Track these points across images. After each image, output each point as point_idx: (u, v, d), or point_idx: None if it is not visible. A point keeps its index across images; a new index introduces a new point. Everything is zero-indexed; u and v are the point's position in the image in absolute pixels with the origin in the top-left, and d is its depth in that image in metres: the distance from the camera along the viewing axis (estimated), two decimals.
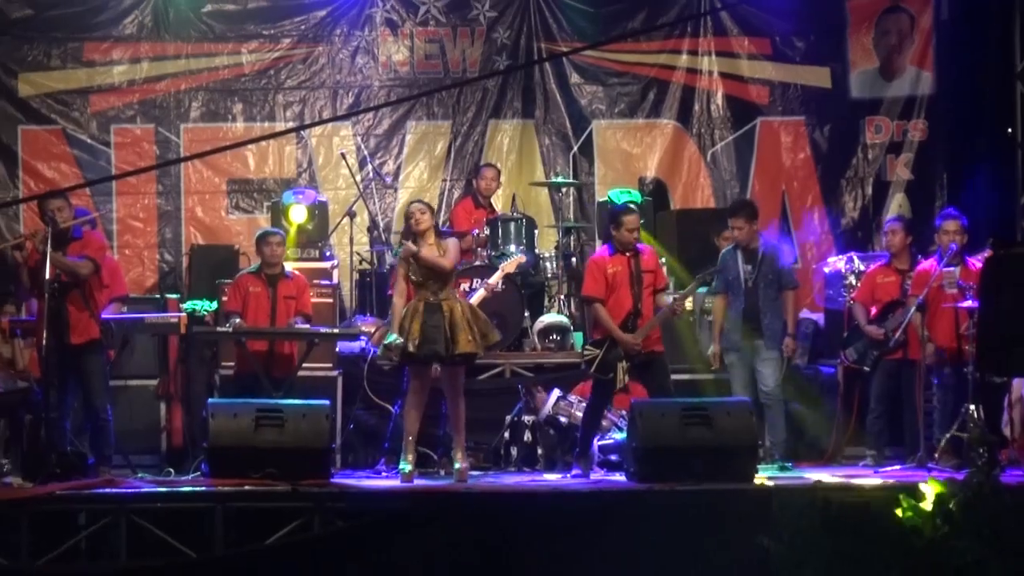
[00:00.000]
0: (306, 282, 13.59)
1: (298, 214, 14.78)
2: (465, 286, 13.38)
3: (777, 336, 13.21)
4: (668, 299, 12.87)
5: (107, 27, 16.02)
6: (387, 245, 13.83)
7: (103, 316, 12.84)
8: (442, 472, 12.87)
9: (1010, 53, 16.24)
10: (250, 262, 13.98)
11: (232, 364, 13.51)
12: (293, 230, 14.72)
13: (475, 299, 13.02)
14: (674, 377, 13.82)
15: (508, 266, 13.65)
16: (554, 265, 14.79)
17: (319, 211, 15.07)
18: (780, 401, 13.16)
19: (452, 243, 12.47)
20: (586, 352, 12.83)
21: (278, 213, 14.93)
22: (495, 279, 13.43)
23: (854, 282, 13.98)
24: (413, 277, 12.25)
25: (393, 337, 12.14)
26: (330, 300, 14.26)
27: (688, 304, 13.88)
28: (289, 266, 13.81)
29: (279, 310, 13.31)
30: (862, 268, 14.07)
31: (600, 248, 13.28)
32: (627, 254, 12.71)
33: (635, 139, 16.55)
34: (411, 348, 12.07)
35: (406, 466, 12.37)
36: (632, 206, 13.51)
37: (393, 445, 12.97)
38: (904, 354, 13.25)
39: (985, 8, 16.36)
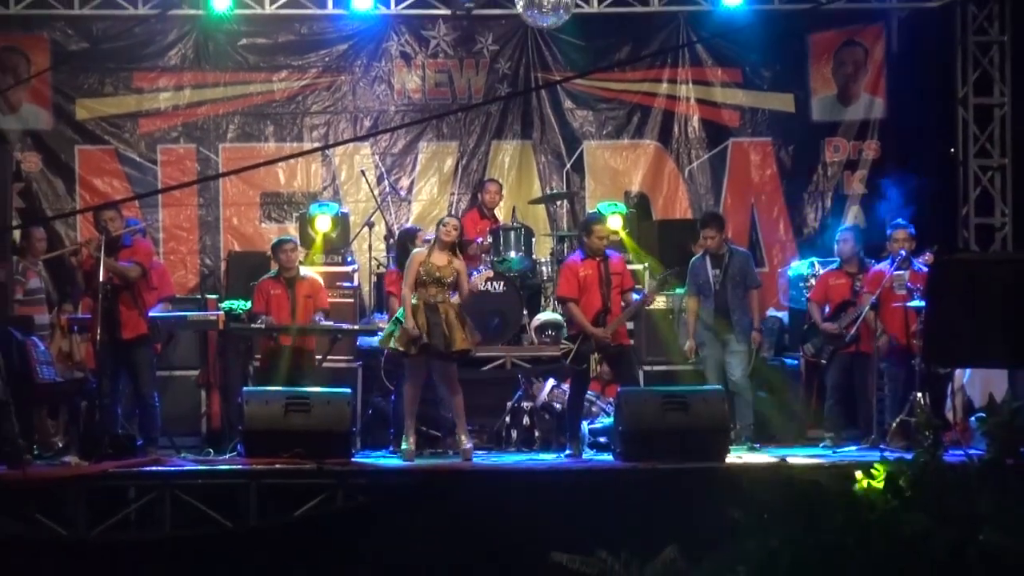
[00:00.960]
0: (320, 282, 13.58)
1: (323, 224, 14.76)
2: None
3: (746, 331, 13.24)
4: (634, 297, 12.96)
5: (154, 58, 16.00)
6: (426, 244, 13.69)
7: (151, 314, 12.90)
8: (449, 452, 12.90)
9: (952, 81, 16.23)
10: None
11: (261, 357, 13.52)
12: (319, 238, 14.70)
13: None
14: (654, 368, 13.94)
15: (478, 280, 13.43)
16: (550, 269, 14.75)
17: (341, 221, 15.05)
18: (747, 389, 13.17)
19: (462, 267, 12.56)
20: (562, 346, 12.92)
21: (305, 223, 14.91)
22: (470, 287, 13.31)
23: (814, 284, 14.04)
24: (424, 276, 12.32)
25: (394, 329, 12.31)
26: (351, 300, 14.26)
27: (662, 303, 14.03)
28: (315, 270, 13.85)
29: (299, 308, 13.27)
30: (821, 272, 14.12)
31: (573, 254, 13.28)
32: (597, 259, 12.75)
33: (621, 157, 16.53)
34: (427, 339, 12.14)
35: (407, 446, 12.43)
36: (600, 216, 13.62)
37: (396, 429, 13.01)
38: (857, 348, 13.24)
39: (930, 42, 16.36)
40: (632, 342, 13.20)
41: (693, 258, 13.54)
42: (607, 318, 12.66)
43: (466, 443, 12.46)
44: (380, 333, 13.45)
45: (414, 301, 12.24)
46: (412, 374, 12.51)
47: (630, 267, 13.66)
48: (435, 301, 12.30)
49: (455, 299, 12.59)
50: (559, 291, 13.10)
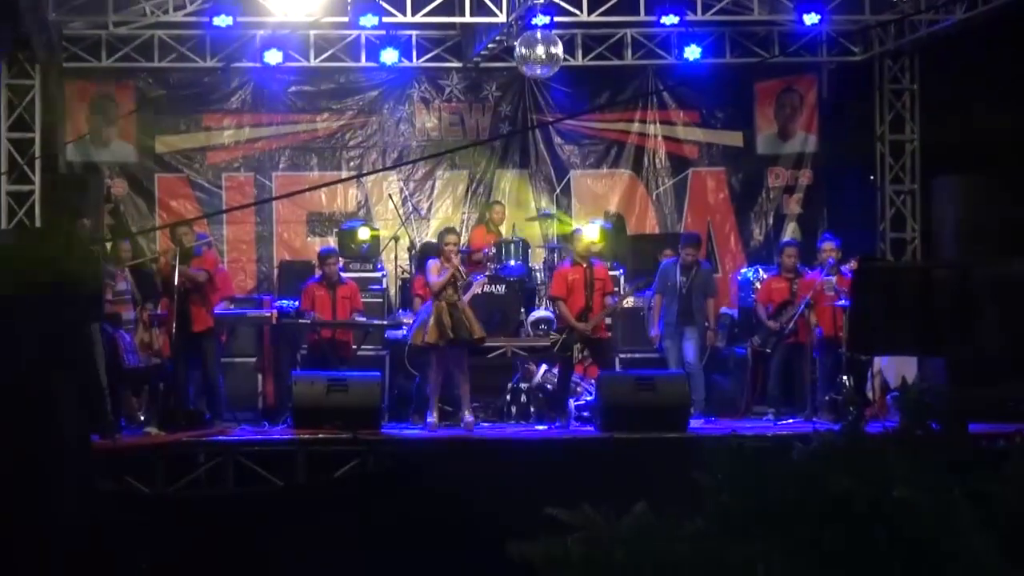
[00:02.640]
0: (356, 286, 13.63)
1: (361, 235, 14.85)
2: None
3: (701, 328, 13.35)
4: (610, 299, 13.04)
5: (219, 103, 16.01)
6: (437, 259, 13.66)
7: (216, 311, 12.93)
8: (461, 424, 12.94)
9: (872, 121, 16.28)
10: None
11: (307, 347, 13.55)
12: (357, 248, 14.79)
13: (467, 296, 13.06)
14: (629, 355, 13.94)
15: (476, 287, 13.46)
16: (542, 275, 14.80)
17: (373, 236, 15.09)
18: (700, 372, 13.24)
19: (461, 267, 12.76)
20: (552, 337, 12.98)
21: (345, 236, 14.96)
22: (472, 291, 13.23)
23: (759, 287, 14.07)
24: (453, 280, 12.41)
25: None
26: (380, 300, 14.29)
27: (631, 302, 14.06)
28: (351, 275, 13.88)
29: (338, 307, 13.34)
30: (765, 277, 14.15)
31: (563, 262, 13.41)
32: (583, 266, 12.84)
33: (601, 183, 16.53)
34: (450, 335, 12.27)
35: (432, 419, 12.46)
36: (583, 232, 13.57)
37: (416, 407, 13.05)
38: (795, 339, 13.31)
39: (854, 89, 16.41)
40: (610, 335, 13.28)
41: (664, 261, 13.58)
42: (589, 315, 12.72)
43: (468, 417, 12.53)
44: (403, 327, 13.51)
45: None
46: (439, 362, 12.55)
47: (610, 273, 13.71)
48: (454, 301, 12.36)
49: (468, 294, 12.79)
50: (550, 292, 13.25)
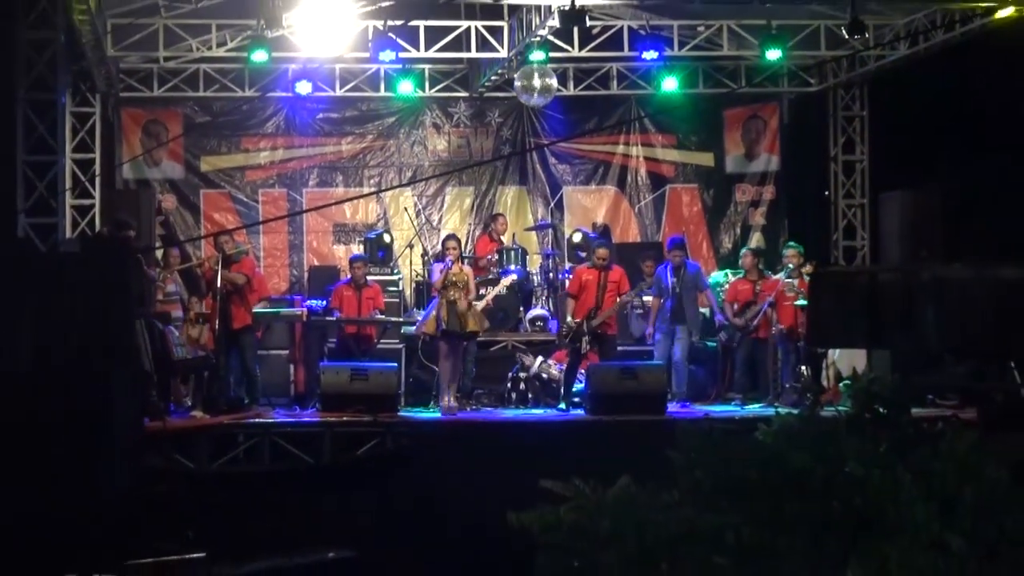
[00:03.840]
0: (379, 287, 13.56)
1: (382, 242, 14.88)
2: (482, 291, 13.40)
3: (695, 324, 13.20)
4: (619, 299, 12.92)
5: (256, 127, 15.96)
6: (442, 261, 13.68)
7: (254, 310, 12.90)
8: (467, 408, 12.85)
9: (826, 144, 16.26)
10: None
11: (335, 340, 13.54)
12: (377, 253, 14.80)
13: (485, 300, 13.06)
14: (621, 348, 13.81)
15: (504, 283, 13.60)
16: (539, 278, 14.76)
17: (391, 244, 15.11)
18: (685, 368, 13.11)
19: (470, 272, 12.74)
20: (563, 330, 12.93)
21: (371, 243, 14.91)
22: (497, 290, 13.37)
23: (727, 289, 14.00)
24: (454, 280, 12.36)
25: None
26: (397, 300, 14.17)
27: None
28: (373, 278, 13.84)
29: (363, 306, 13.26)
30: (732, 280, 14.10)
31: (583, 264, 13.35)
32: (599, 270, 12.79)
33: (589, 198, 16.46)
34: (443, 326, 12.25)
35: (445, 403, 12.40)
36: (604, 244, 13.45)
37: (438, 392, 12.90)
38: (758, 335, 13.26)
39: (811, 116, 16.39)
40: (616, 331, 13.11)
41: (658, 268, 13.49)
42: (596, 312, 12.67)
43: (453, 403, 12.31)
44: (419, 324, 13.47)
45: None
46: (445, 352, 12.52)
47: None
48: (453, 299, 12.33)
49: (488, 297, 12.82)
50: (566, 288, 13.24)
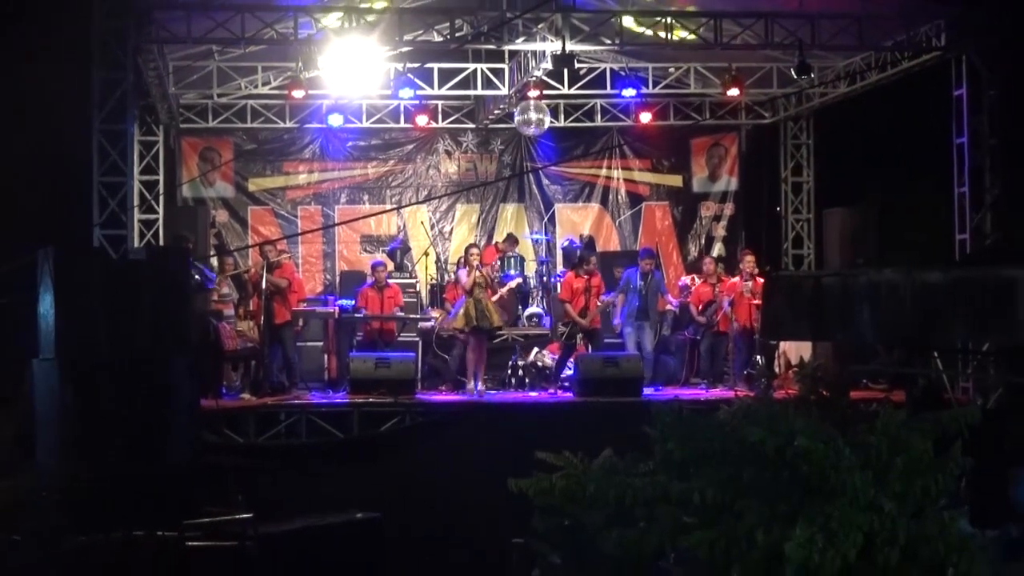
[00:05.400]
0: (399, 289, 13.55)
1: (402, 252, 14.94)
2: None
3: (655, 320, 13.30)
4: (604, 296, 13.09)
5: (295, 154, 15.93)
6: (468, 265, 13.66)
7: (293, 309, 12.91)
8: (473, 391, 12.87)
9: (778, 168, 16.25)
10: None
11: (362, 335, 13.54)
12: (397, 260, 14.81)
13: (499, 294, 13.14)
14: (604, 341, 13.81)
15: (511, 284, 13.67)
16: (535, 281, 14.73)
17: (409, 252, 15.20)
18: (652, 356, 13.19)
19: (488, 273, 12.88)
20: (560, 328, 12.99)
21: (395, 252, 14.93)
22: (505, 290, 13.43)
23: (692, 291, 14.02)
24: (479, 282, 12.44)
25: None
26: (415, 299, 14.17)
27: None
28: (394, 281, 13.84)
29: (385, 305, 13.27)
30: (697, 283, 14.11)
31: (570, 273, 13.42)
32: (585, 276, 12.85)
33: (577, 213, 16.40)
34: (474, 323, 12.39)
35: (474, 386, 12.49)
36: (590, 256, 13.63)
37: (460, 378, 12.99)
38: (718, 329, 13.28)
39: (765, 143, 16.33)
40: (600, 326, 13.24)
41: (626, 270, 13.54)
42: (586, 312, 12.75)
43: (483, 388, 12.50)
44: (432, 320, 13.53)
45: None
46: (473, 345, 12.63)
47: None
48: (480, 298, 12.41)
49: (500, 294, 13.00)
50: (560, 295, 13.28)
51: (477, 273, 12.52)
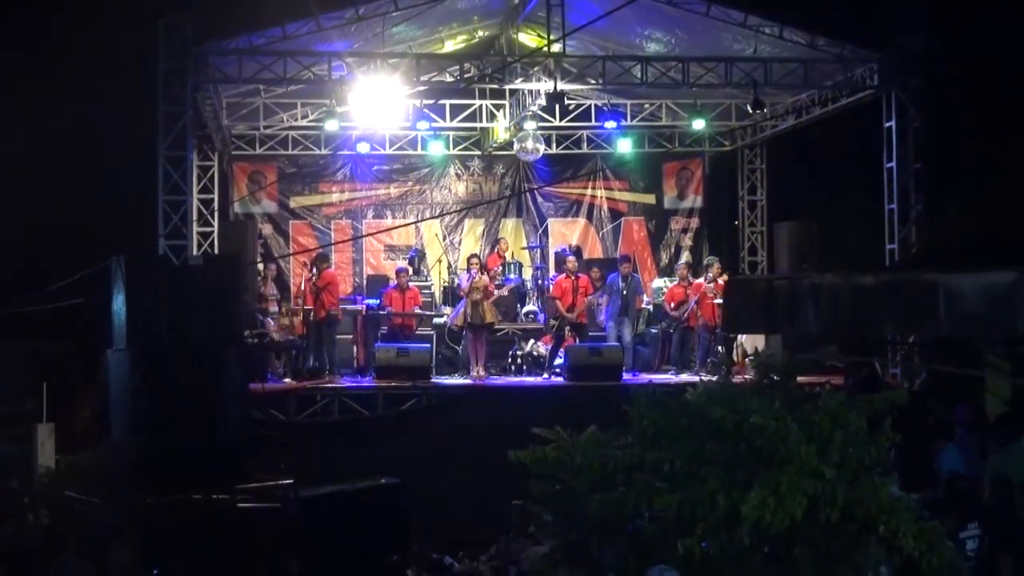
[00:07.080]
0: (417, 290, 13.52)
1: (419, 259, 14.92)
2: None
3: (633, 316, 13.28)
4: (591, 297, 13.04)
5: (329, 176, 15.89)
6: (469, 272, 13.63)
7: (330, 307, 12.89)
8: (474, 375, 12.81)
9: (736, 188, 16.24)
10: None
11: (385, 329, 13.52)
12: (415, 266, 14.77)
13: (497, 294, 13.12)
14: (591, 333, 13.73)
15: (509, 287, 13.67)
16: (531, 284, 14.74)
17: (425, 258, 15.16)
18: (631, 347, 13.17)
19: (487, 279, 12.76)
20: (551, 323, 12.95)
21: (413, 259, 14.90)
22: (505, 290, 13.46)
23: (666, 292, 13.98)
24: (476, 286, 12.41)
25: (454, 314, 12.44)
26: (430, 299, 14.17)
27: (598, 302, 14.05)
28: (413, 283, 13.81)
29: (405, 304, 13.23)
30: (669, 285, 14.07)
31: (558, 275, 13.38)
32: (571, 277, 12.84)
33: (567, 227, 16.36)
34: (470, 320, 12.36)
35: (479, 372, 12.45)
36: (572, 257, 13.63)
37: (461, 366, 12.94)
38: (687, 324, 13.25)
39: (725, 167, 16.37)
40: (587, 320, 13.20)
41: (610, 275, 13.52)
42: (573, 308, 12.70)
43: (481, 372, 12.46)
44: (444, 317, 13.52)
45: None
46: (471, 338, 12.59)
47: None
48: (476, 299, 12.40)
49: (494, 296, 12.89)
50: (551, 294, 13.25)
51: (478, 278, 12.54)
